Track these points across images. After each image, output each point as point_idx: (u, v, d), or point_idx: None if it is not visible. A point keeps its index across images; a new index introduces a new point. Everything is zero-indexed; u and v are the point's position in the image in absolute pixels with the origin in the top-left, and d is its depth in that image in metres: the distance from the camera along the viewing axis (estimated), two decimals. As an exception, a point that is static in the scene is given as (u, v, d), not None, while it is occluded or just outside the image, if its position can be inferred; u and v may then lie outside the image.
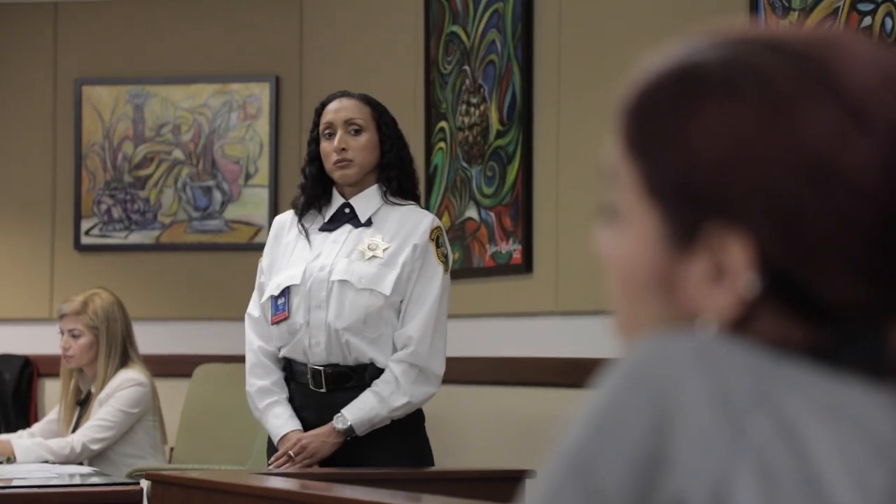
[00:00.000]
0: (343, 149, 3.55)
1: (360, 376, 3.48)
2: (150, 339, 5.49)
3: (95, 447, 4.44)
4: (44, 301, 5.89)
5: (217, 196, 5.90)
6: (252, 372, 3.59)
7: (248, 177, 5.90)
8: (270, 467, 3.47)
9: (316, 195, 3.61)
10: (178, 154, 5.95)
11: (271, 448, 3.59)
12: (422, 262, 3.52)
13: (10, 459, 4.32)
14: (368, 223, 3.56)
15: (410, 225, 3.55)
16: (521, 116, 4.68)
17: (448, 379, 3.64)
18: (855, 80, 0.94)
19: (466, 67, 4.97)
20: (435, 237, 3.55)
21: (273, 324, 3.56)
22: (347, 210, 3.59)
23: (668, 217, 0.96)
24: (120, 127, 5.97)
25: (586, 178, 4.42)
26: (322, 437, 3.46)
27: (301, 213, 3.62)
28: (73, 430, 4.56)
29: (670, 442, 0.87)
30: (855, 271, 0.93)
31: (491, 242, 4.80)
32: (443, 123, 5.07)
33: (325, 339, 3.48)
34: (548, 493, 0.90)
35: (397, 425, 3.49)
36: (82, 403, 4.66)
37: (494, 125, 4.82)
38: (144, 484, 3.71)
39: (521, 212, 4.67)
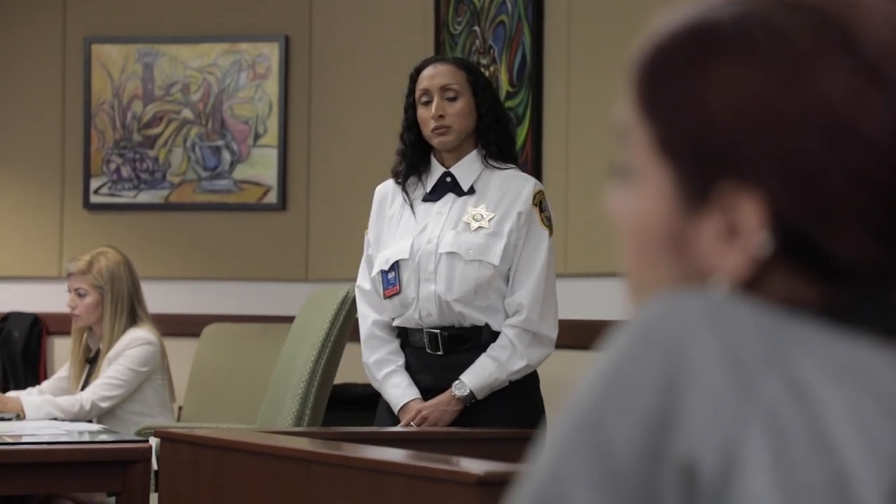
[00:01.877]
0: (441, 115, 3.55)
1: (475, 338, 3.52)
2: (159, 298, 5.50)
3: (104, 405, 4.45)
4: (53, 259, 5.90)
5: (226, 156, 5.90)
6: (367, 344, 3.62)
7: (256, 137, 5.89)
8: None
9: (416, 162, 3.61)
10: (187, 114, 5.94)
11: (383, 415, 3.60)
12: (527, 229, 3.54)
13: (20, 416, 4.34)
14: (471, 191, 3.57)
15: (513, 191, 3.56)
16: (531, 78, 4.67)
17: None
18: (872, 38, 0.94)
19: (476, 28, 4.95)
20: (538, 202, 3.56)
21: (385, 298, 3.58)
22: (449, 179, 3.59)
23: (680, 176, 0.96)
24: (129, 86, 5.96)
25: (596, 141, 4.41)
26: (442, 406, 3.50)
27: (403, 182, 3.62)
28: (82, 388, 4.58)
29: (680, 401, 0.87)
30: (868, 230, 0.93)
31: (500, 204, 4.79)
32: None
33: (437, 309, 3.51)
34: (557, 450, 0.90)
35: (511, 386, 3.52)
36: (91, 361, 4.68)
37: (504, 86, 4.81)
38: (153, 441, 3.72)
39: (530, 173, 4.66)
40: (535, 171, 4.64)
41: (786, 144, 0.93)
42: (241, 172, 5.89)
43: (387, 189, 3.69)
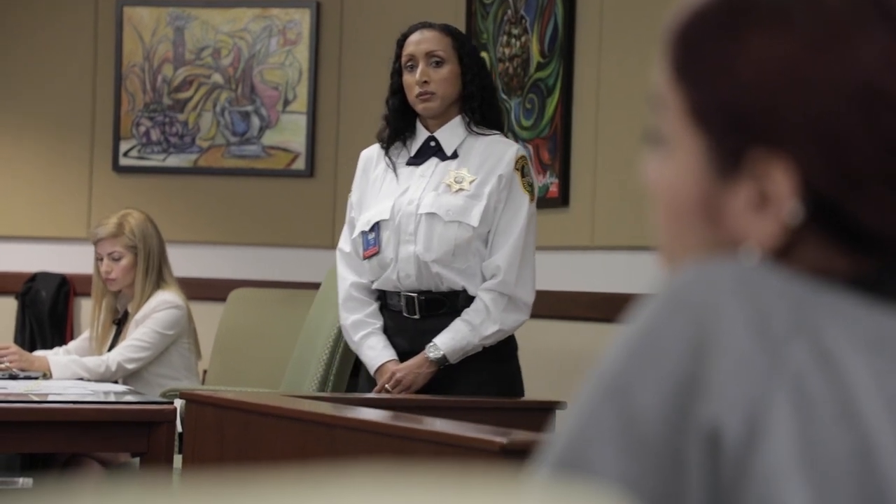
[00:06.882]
0: (425, 81, 3.56)
1: (452, 303, 3.53)
2: (186, 262, 5.52)
3: (130, 367, 4.47)
4: (81, 221, 5.93)
5: (255, 121, 5.90)
6: (345, 306, 3.65)
7: (286, 103, 5.90)
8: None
9: (400, 128, 3.63)
10: (217, 78, 5.94)
11: (366, 379, 3.63)
12: (508, 193, 3.55)
13: (46, 375, 4.37)
14: (454, 155, 3.59)
15: (495, 156, 3.57)
16: (563, 49, 4.66)
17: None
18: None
19: (508, -2, 4.94)
20: (520, 167, 3.57)
21: (365, 258, 3.61)
22: (433, 143, 3.61)
23: (713, 144, 0.96)
24: (160, 49, 5.97)
25: (626, 113, 4.40)
26: (415, 369, 3.52)
27: (387, 146, 3.64)
28: (110, 350, 4.60)
29: (707, 367, 0.88)
30: (899, 199, 0.93)
31: (528, 175, 4.79)
32: (483, 54, 5.04)
33: (416, 271, 3.53)
34: (583, 415, 0.91)
35: (489, 352, 3.53)
36: (119, 323, 4.69)
37: (535, 57, 4.80)
38: (178, 403, 3.74)
39: (559, 145, 4.66)
40: (564, 143, 4.64)
41: (818, 113, 0.93)
42: (269, 138, 5.90)
43: (371, 153, 3.71)
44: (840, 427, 0.86)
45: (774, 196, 0.94)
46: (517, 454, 2.25)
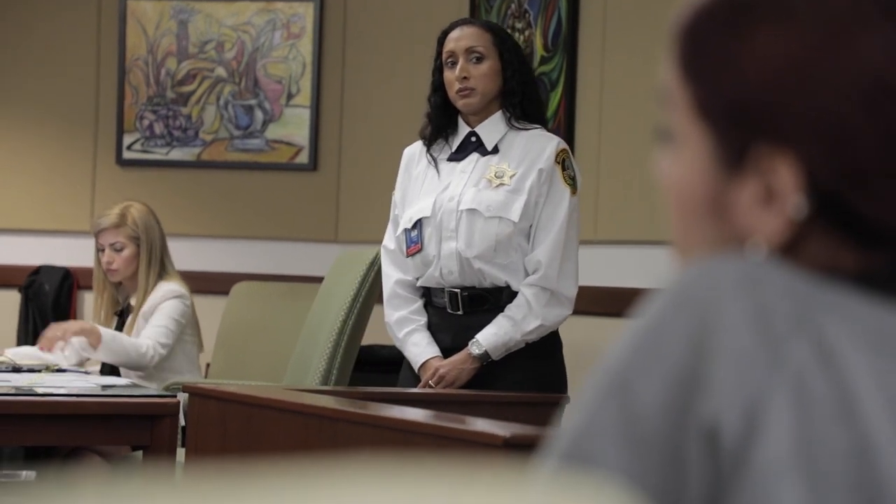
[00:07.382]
0: (465, 77, 3.56)
1: (495, 299, 3.52)
2: (189, 255, 5.51)
3: (163, 352, 4.43)
4: (85, 214, 5.93)
5: (259, 115, 5.90)
6: (389, 303, 3.65)
7: (289, 97, 5.90)
8: None
9: (442, 124, 3.63)
10: (220, 72, 5.94)
11: (406, 375, 3.63)
12: (549, 187, 3.54)
13: (50, 368, 4.36)
14: (495, 150, 3.58)
15: (536, 150, 3.56)
16: (566, 43, 4.66)
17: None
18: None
19: (512, -8, 4.94)
20: (561, 160, 3.56)
21: (408, 256, 3.61)
22: (473, 139, 3.60)
23: (718, 139, 0.96)
24: (164, 42, 5.97)
25: (630, 108, 4.40)
26: (458, 365, 3.51)
27: (429, 144, 3.64)
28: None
29: (708, 363, 0.88)
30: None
31: (531, 169, 4.79)
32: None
33: (458, 267, 3.53)
34: (586, 410, 0.91)
35: (531, 349, 3.52)
36: (121, 315, 4.69)
37: (539, 51, 4.80)
38: (181, 397, 3.74)
39: (562, 139, 4.65)
40: (568, 137, 4.64)
41: (821, 108, 0.93)
42: (273, 132, 5.90)
43: (414, 150, 3.72)
44: (839, 425, 0.86)
45: (779, 191, 0.94)
46: (520, 448, 2.25)
